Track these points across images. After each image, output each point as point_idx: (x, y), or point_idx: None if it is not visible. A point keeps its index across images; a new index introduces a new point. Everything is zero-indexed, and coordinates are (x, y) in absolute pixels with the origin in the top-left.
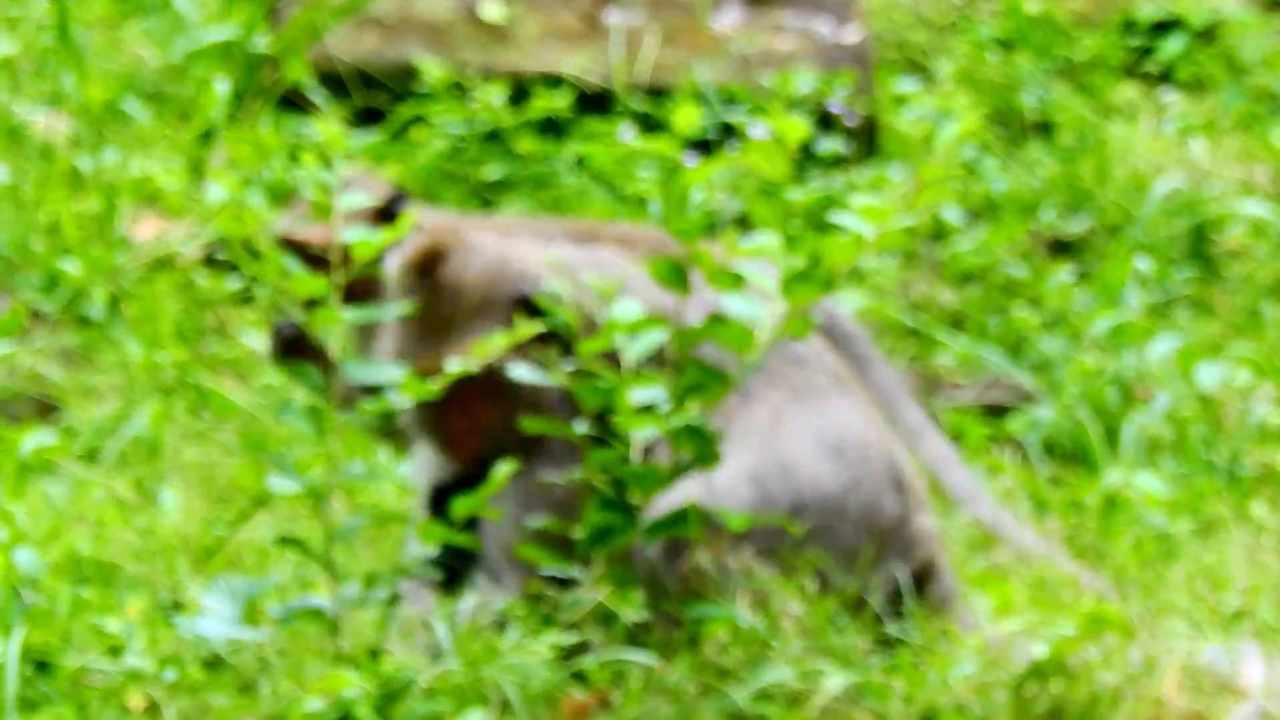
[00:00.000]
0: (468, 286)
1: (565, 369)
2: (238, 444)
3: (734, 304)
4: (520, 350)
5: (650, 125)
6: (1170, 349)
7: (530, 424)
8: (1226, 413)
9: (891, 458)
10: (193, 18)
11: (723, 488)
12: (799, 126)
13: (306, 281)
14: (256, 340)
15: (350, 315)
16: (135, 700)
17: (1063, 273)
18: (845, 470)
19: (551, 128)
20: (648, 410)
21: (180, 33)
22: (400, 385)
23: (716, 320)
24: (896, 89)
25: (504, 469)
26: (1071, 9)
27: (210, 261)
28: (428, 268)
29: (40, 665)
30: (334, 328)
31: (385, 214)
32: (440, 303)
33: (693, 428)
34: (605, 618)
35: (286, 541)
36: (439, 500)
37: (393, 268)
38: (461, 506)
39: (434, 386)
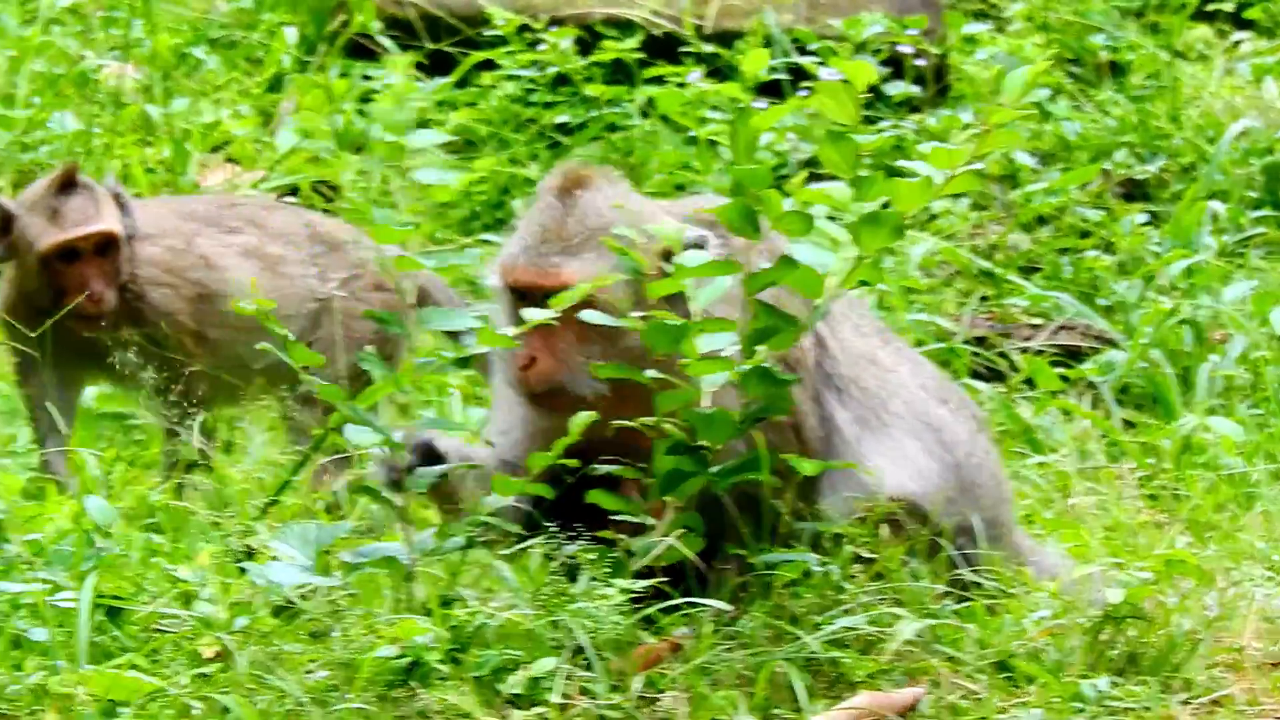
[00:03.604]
0: None
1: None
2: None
3: (802, 250)
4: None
5: (719, 69)
6: (1245, 291)
7: (602, 369)
8: None
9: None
10: None
11: (916, 464)
12: (868, 69)
13: (387, 230)
14: None
15: (431, 263)
16: (206, 647)
17: (1136, 215)
18: (964, 416)
19: (620, 72)
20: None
21: None
22: (478, 334)
23: (787, 263)
24: (967, 31)
25: (582, 417)
26: None
27: None
28: None
29: (112, 612)
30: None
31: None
32: None
33: (763, 372)
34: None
35: (360, 489)
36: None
37: None
38: (536, 461)
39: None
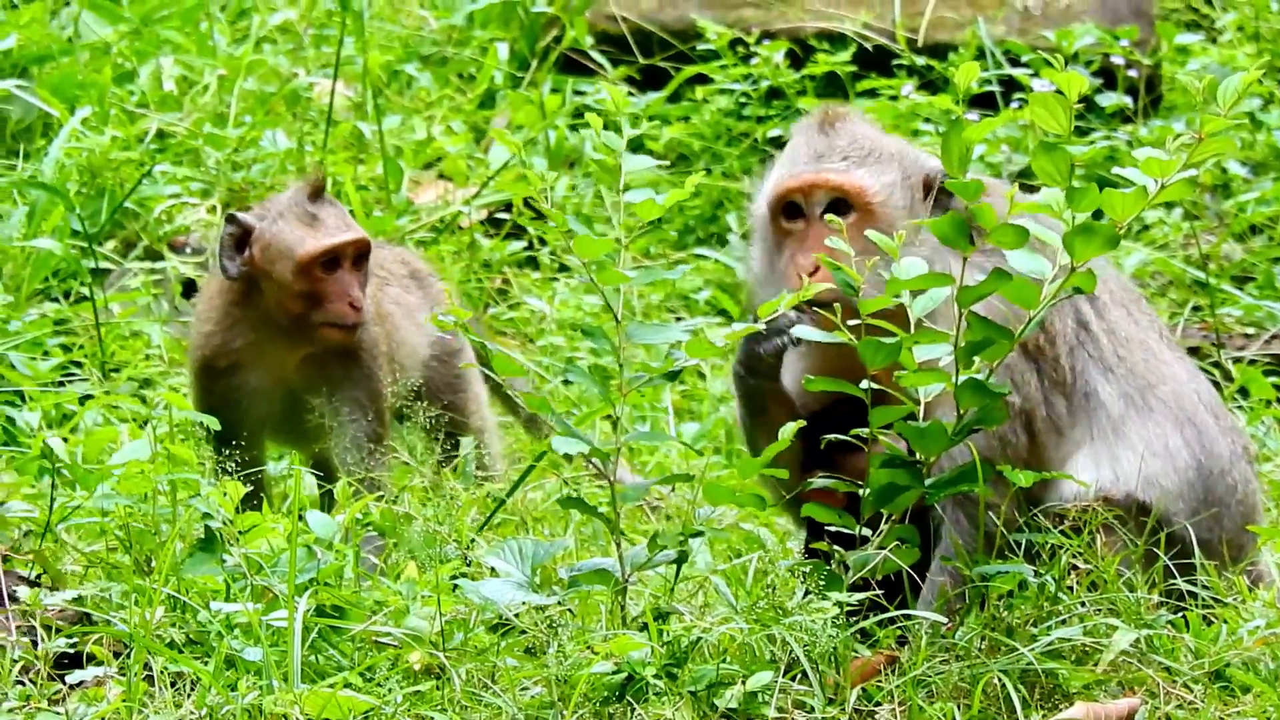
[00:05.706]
0: None
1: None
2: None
3: (1017, 259)
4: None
5: (931, 82)
6: None
7: (813, 383)
8: None
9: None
10: None
11: (1174, 459)
12: (1080, 80)
13: (590, 243)
14: (540, 302)
15: (635, 276)
16: (421, 663)
17: None
18: (1230, 437)
19: (833, 85)
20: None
21: None
22: (685, 346)
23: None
24: (1178, 42)
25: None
26: None
27: (493, 224)
28: None
29: (324, 627)
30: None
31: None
32: None
33: (978, 384)
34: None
35: (571, 503)
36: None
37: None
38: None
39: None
